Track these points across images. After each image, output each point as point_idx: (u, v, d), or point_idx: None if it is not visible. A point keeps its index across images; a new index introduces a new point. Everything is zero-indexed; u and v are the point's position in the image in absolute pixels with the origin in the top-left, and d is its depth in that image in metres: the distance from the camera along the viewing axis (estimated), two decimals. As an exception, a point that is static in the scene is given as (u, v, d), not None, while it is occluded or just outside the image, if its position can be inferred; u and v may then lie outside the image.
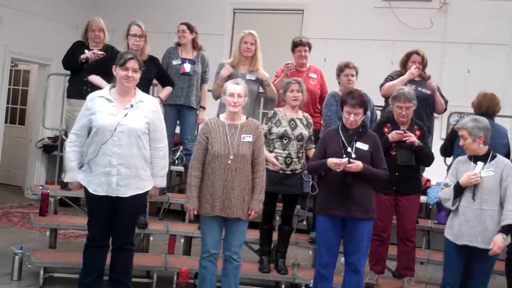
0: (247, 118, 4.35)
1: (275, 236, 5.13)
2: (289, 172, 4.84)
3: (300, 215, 5.59)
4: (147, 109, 4.14)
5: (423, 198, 5.77)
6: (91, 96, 4.19)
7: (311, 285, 4.61)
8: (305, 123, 4.96)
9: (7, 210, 7.85)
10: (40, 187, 5.79)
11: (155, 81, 5.54)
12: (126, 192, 4.06)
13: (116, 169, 4.02)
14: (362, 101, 4.29)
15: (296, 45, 5.72)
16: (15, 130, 9.76)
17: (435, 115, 5.81)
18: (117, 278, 4.22)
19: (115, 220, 4.13)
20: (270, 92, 5.56)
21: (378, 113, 5.69)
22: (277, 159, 4.80)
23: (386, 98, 5.43)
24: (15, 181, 9.67)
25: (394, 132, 4.75)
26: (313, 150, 4.78)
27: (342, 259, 4.62)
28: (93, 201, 4.13)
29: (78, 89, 5.41)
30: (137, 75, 4.12)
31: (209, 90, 5.91)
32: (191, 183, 4.22)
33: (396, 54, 6.15)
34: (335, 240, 4.33)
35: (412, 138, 4.72)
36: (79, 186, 4.19)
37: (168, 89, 5.43)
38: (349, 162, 4.14)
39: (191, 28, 5.83)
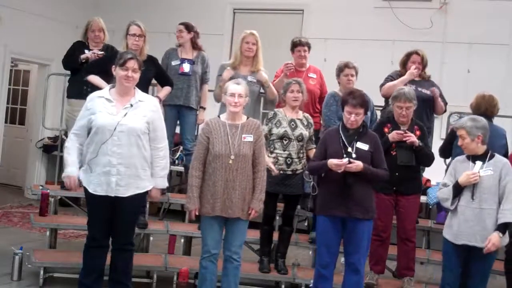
0: (247, 118, 4.35)
1: (275, 236, 5.13)
2: (290, 173, 4.84)
3: (300, 215, 5.59)
4: (146, 108, 4.15)
5: (423, 198, 5.78)
6: (91, 96, 4.20)
7: (311, 285, 4.61)
8: (306, 123, 4.96)
9: (7, 210, 7.84)
10: (40, 187, 5.79)
11: (155, 81, 5.54)
12: (126, 192, 4.06)
13: (115, 169, 4.02)
14: (363, 101, 4.29)
15: (296, 45, 5.72)
16: (15, 130, 9.76)
17: (435, 115, 5.81)
18: (117, 278, 4.21)
19: (115, 220, 4.13)
20: (270, 93, 5.54)
21: (378, 113, 5.69)
22: (278, 160, 4.81)
23: (386, 98, 5.43)
24: (15, 181, 9.67)
25: (394, 132, 4.75)
26: (314, 150, 4.78)
27: (342, 259, 4.63)
28: (93, 201, 4.13)
29: (78, 89, 5.41)
30: (137, 75, 4.12)
31: (209, 91, 5.91)
32: (192, 183, 4.22)
33: (396, 54, 6.15)
34: (335, 240, 4.33)
35: (412, 138, 4.72)
36: (77, 183, 4.12)
37: (167, 89, 5.43)
38: (350, 162, 4.14)
39: (188, 28, 5.80)
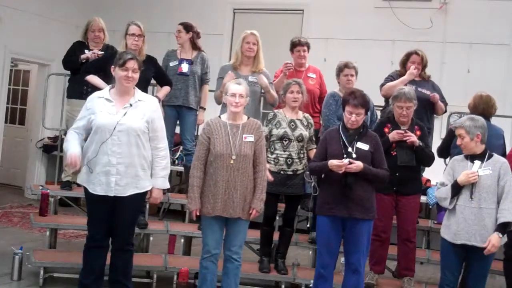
0: (248, 118, 4.35)
1: (275, 236, 5.13)
2: (290, 173, 4.84)
3: (300, 215, 5.59)
4: (146, 108, 4.14)
5: (423, 198, 5.78)
6: (91, 97, 4.20)
7: (311, 285, 4.61)
8: (306, 123, 4.95)
9: (7, 210, 7.84)
10: (40, 187, 5.78)
11: (155, 82, 5.54)
12: (125, 191, 4.06)
13: (115, 168, 4.02)
14: (364, 101, 4.29)
15: (295, 45, 5.72)
16: (15, 130, 9.76)
17: (435, 115, 5.81)
18: (117, 278, 4.21)
19: (115, 220, 4.13)
20: (270, 97, 5.48)
21: (378, 113, 5.69)
22: (278, 160, 4.82)
23: (386, 98, 5.43)
24: (15, 181, 9.67)
25: (394, 132, 4.75)
26: (315, 150, 4.78)
27: (342, 259, 4.63)
28: (93, 201, 4.13)
29: (78, 89, 5.42)
30: (137, 75, 4.12)
31: (209, 91, 5.91)
32: (193, 184, 4.22)
33: (396, 54, 6.16)
34: (336, 240, 4.33)
35: (413, 138, 4.72)
36: (79, 161, 3.99)
37: (166, 89, 5.43)
38: (350, 163, 4.14)
39: (187, 28, 5.77)
